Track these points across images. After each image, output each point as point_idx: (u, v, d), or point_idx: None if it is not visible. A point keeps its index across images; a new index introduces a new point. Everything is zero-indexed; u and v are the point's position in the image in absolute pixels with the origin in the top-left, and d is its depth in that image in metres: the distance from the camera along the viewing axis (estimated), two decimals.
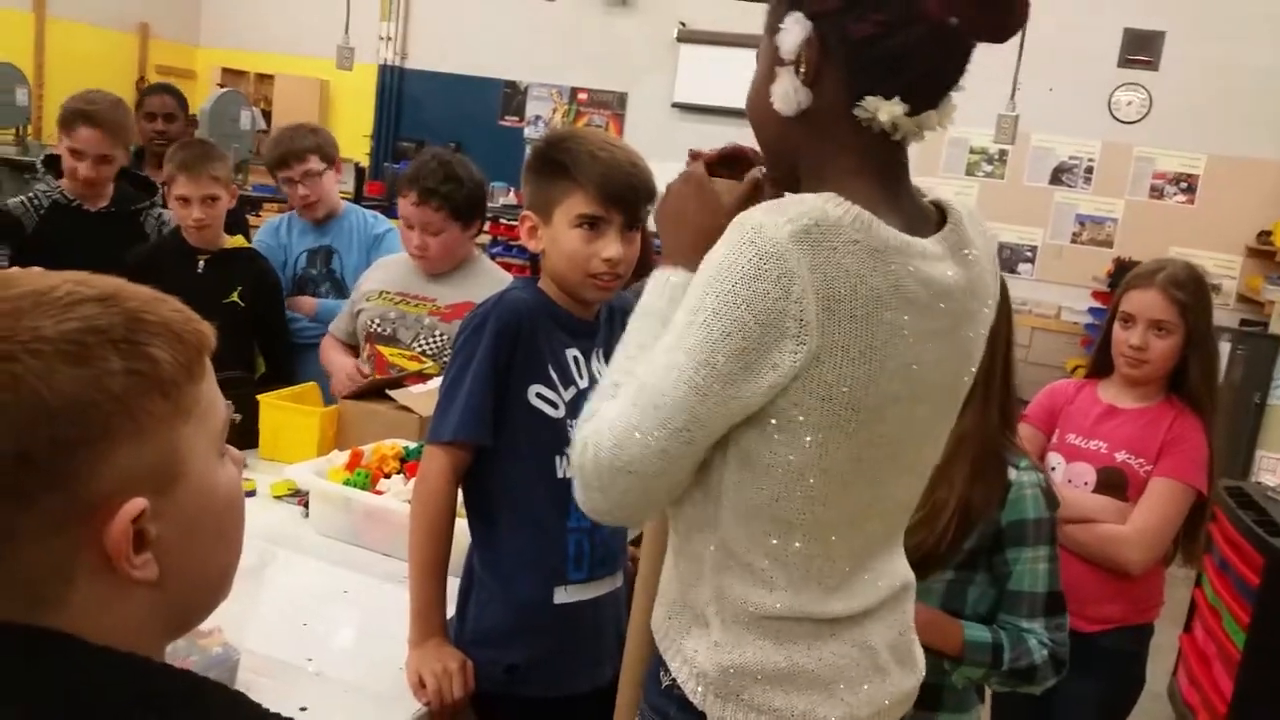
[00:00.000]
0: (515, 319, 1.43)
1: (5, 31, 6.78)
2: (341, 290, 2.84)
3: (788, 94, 0.98)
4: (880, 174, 0.98)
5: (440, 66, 7.64)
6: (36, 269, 0.68)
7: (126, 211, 2.80)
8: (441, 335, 2.37)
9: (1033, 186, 6.35)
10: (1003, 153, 6.32)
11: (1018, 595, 1.47)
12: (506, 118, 7.58)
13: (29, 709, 0.58)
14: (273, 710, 0.66)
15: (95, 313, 0.61)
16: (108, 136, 2.63)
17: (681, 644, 1.06)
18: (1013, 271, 6.32)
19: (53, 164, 2.82)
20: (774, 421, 0.94)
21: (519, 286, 1.53)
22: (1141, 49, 6.04)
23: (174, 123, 3.43)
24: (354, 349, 2.53)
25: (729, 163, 1.17)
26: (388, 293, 2.44)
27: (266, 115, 7.52)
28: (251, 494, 2.00)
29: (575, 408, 1.32)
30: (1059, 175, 6.31)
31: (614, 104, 7.32)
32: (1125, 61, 6.08)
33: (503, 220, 6.49)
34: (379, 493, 1.85)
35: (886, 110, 0.95)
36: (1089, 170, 6.26)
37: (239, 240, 2.68)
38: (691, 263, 1.00)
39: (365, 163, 7.52)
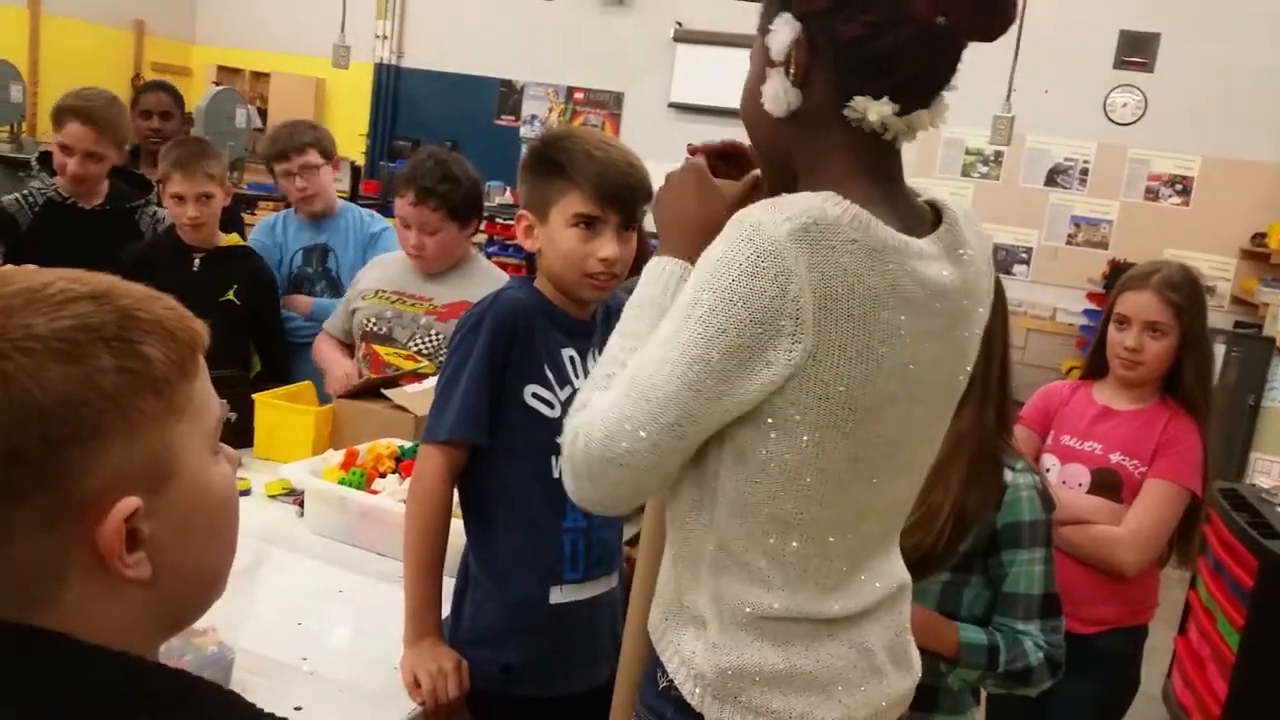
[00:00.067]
0: (511, 318, 1.43)
1: (0, 28, 6.76)
2: (337, 289, 2.83)
3: (778, 95, 0.98)
4: (873, 174, 0.98)
5: (436, 65, 7.63)
6: (31, 266, 0.67)
7: (121, 209, 2.79)
8: (438, 335, 2.37)
9: (1028, 188, 6.35)
10: (998, 154, 6.33)
11: (1013, 597, 1.47)
12: (502, 117, 7.57)
13: (26, 709, 0.57)
14: (267, 710, 0.66)
15: (87, 310, 0.61)
16: (97, 133, 2.61)
17: (679, 645, 1.06)
18: (1008, 273, 6.32)
19: (47, 161, 2.81)
20: (770, 420, 0.94)
21: (515, 286, 1.52)
22: (1137, 51, 6.05)
23: (170, 120, 3.42)
24: (349, 347, 2.53)
25: (728, 159, 1.17)
26: (384, 291, 2.43)
27: (262, 113, 7.51)
28: (246, 493, 1.99)
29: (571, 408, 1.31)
30: (1054, 177, 6.32)
31: (610, 103, 7.31)
32: (1121, 63, 6.09)
33: (499, 220, 6.48)
34: (374, 492, 1.84)
35: (876, 110, 0.95)
36: (1084, 172, 6.26)
37: (234, 238, 2.67)
38: (689, 254, 1.00)
39: (361, 161, 7.51)
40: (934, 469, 1.12)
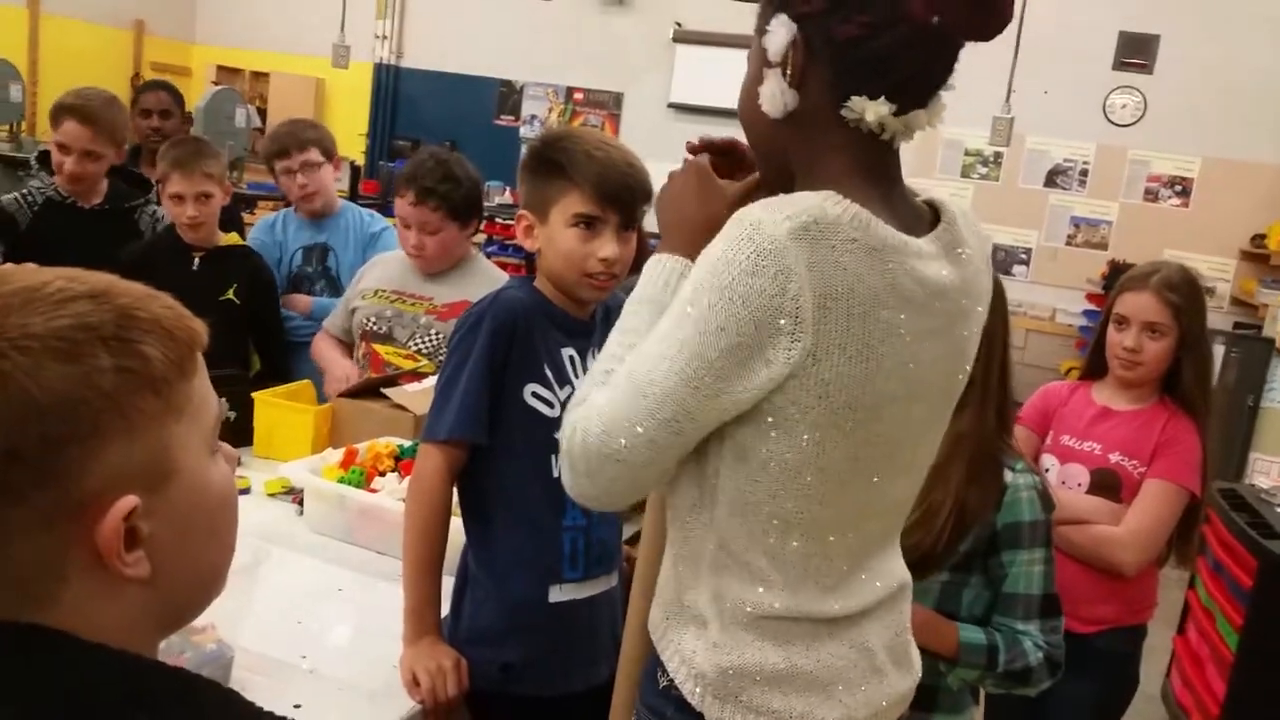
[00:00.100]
0: (511, 318, 1.43)
1: (0, 27, 6.76)
2: (336, 288, 2.83)
3: (774, 95, 0.98)
4: (871, 174, 0.98)
5: (436, 65, 7.63)
6: (30, 265, 0.67)
7: (121, 209, 2.79)
8: (437, 334, 2.37)
9: (1027, 189, 6.35)
10: (998, 155, 6.33)
11: (1013, 597, 1.47)
12: (502, 117, 7.57)
13: (26, 709, 0.57)
14: (266, 708, 0.66)
15: (86, 310, 0.61)
16: (94, 132, 2.61)
17: (679, 644, 1.06)
18: (1007, 273, 6.32)
19: (47, 160, 2.81)
20: (771, 419, 0.94)
21: (515, 286, 1.53)
22: (1137, 52, 6.05)
23: (170, 119, 3.42)
24: (348, 346, 2.53)
25: (728, 157, 1.17)
26: (384, 291, 2.43)
27: (262, 113, 7.51)
28: (245, 491, 1.99)
29: None
30: (1054, 177, 6.31)
31: (610, 104, 7.31)
32: (1120, 64, 6.09)
33: (498, 219, 6.48)
34: (373, 491, 1.84)
35: (873, 110, 0.95)
36: (1084, 173, 6.26)
37: (234, 238, 2.67)
38: (689, 253, 1.00)
39: (360, 161, 7.51)
40: (934, 469, 1.12)
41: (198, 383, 0.67)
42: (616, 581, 1.54)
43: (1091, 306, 5.94)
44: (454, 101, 7.56)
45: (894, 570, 1.11)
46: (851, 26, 0.94)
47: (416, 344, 2.38)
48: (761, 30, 1.00)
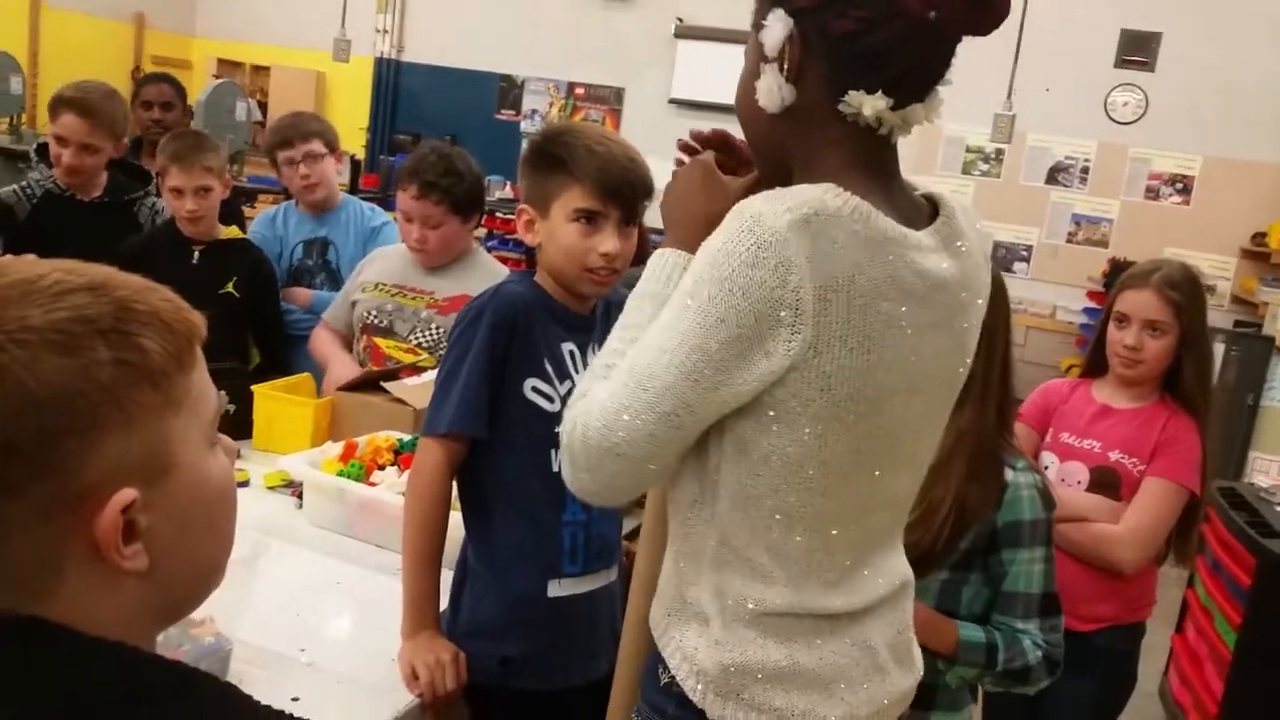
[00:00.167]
0: (511, 312, 1.43)
1: (0, 20, 6.75)
2: (337, 282, 2.82)
3: (771, 90, 0.98)
4: (869, 168, 0.98)
5: (437, 60, 7.62)
6: (29, 257, 0.67)
7: (120, 201, 2.78)
8: (438, 328, 2.36)
9: (1029, 186, 6.35)
10: (999, 152, 6.33)
11: (1013, 596, 1.47)
12: (503, 112, 7.56)
13: (26, 708, 0.57)
14: (264, 701, 0.66)
15: (84, 302, 0.61)
16: (92, 125, 2.60)
17: (681, 641, 1.05)
18: (1008, 270, 6.32)
19: (46, 153, 2.80)
20: (772, 413, 0.94)
21: (515, 280, 1.52)
22: (1138, 50, 6.05)
23: (171, 111, 3.42)
24: (348, 339, 2.52)
25: (726, 151, 1.16)
26: (384, 284, 2.43)
27: (262, 107, 7.49)
28: (245, 484, 1.99)
29: None
30: (1055, 175, 6.31)
31: (611, 99, 7.30)
32: (1122, 62, 6.08)
33: (499, 214, 6.47)
34: (373, 484, 1.84)
35: (870, 105, 0.95)
36: (1085, 170, 6.26)
37: (234, 231, 2.67)
38: (693, 248, 1.00)
39: (361, 155, 7.50)
40: (935, 466, 1.12)
41: (196, 376, 0.66)
42: (616, 576, 1.54)
43: (1092, 304, 5.94)
44: (455, 96, 7.55)
45: (896, 568, 1.11)
46: (848, 21, 0.93)
47: (417, 338, 2.38)
48: (758, 25, 1.00)
